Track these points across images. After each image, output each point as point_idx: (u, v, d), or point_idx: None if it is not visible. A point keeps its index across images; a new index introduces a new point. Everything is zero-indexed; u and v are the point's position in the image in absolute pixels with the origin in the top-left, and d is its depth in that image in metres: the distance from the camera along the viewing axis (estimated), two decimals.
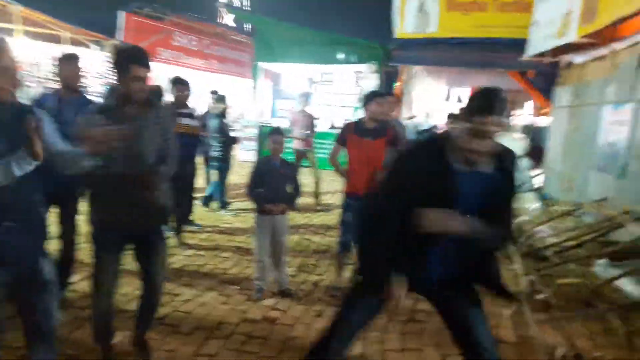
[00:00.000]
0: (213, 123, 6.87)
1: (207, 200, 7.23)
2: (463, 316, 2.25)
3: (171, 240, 5.37)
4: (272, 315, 3.81)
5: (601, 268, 4.72)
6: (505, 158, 2.16)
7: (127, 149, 2.58)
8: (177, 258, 4.98)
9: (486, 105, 2.00)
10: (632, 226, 4.83)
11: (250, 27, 16.06)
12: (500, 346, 3.37)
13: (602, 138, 7.06)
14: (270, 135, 4.16)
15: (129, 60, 2.59)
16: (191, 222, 6.01)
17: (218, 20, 16.28)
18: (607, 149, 6.79)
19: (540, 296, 4.13)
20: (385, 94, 4.57)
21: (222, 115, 7.02)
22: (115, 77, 2.65)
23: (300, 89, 14.78)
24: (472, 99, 2.08)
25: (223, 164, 7.00)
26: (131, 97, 2.63)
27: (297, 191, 4.21)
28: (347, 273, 4.40)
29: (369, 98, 4.18)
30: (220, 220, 6.65)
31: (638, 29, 6.90)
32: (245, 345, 3.34)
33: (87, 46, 12.57)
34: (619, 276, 4.28)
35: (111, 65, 2.68)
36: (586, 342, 3.45)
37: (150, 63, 2.69)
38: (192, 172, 5.77)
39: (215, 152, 6.93)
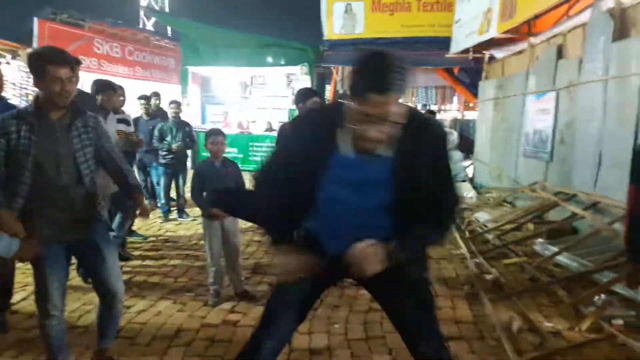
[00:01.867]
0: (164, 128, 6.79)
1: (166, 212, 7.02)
2: (402, 312, 1.97)
3: None
4: (233, 318, 3.73)
5: (540, 246, 5.01)
6: (419, 132, 1.76)
7: (52, 159, 2.47)
8: (124, 270, 4.76)
9: (371, 81, 1.56)
10: (565, 206, 5.17)
11: (171, 30, 15.67)
12: (459, 326, 3.52)
13: (527, 126, 7.50)
14: (209, 137, 4.05)
15: (45, 61, 2.41)
16: (133, 233, 5.78)
17: (139, 26, 15.73)
18: (533, 137, 7.22)
19: (489, 277, 4.31)
20: (316, 93, 4.57)
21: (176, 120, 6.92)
22: (34, 84, 2.48)
23: (232, 93, 14.63)
24: (354, 71, 1.64)
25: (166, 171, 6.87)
26: (54, 102, 2.47)
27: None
28: None
29: (305, 97, 4.18)
30: (163, 229, 6.44)
31: (553, 23, 7.40)
32: (209, 350, 3.25)
33: (2, 56, 11.78)
34: (558, 252, 4.57)
35: (28, 72, 2.52)
36: (537, 314, 3.65)
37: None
38: (134, 180, 5.55)
39: (165, 159, 6.83)
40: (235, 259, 4.11)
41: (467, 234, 5.88)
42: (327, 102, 1.97)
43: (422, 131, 1.78)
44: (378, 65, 1.56)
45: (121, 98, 5.54)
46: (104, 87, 5.04)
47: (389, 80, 1.54)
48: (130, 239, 5.55)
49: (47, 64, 2.39)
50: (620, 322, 3.37)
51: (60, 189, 2.52)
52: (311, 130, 1.85)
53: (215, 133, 4.07)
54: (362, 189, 1.80)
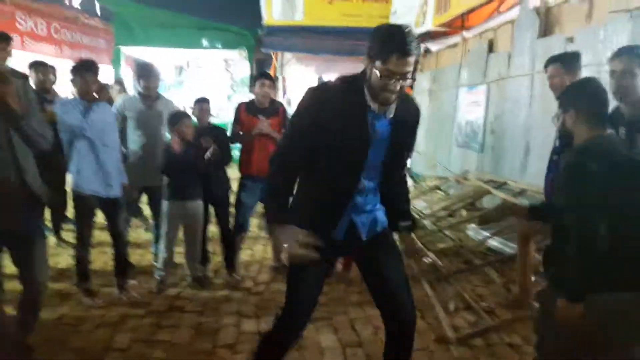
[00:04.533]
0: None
1: None
2: (380, 269, 2.19)
3: (50, 239, 4.95)
4: (178, 304, 3.72)
5: (473, 231, 5.32)
6: (406, 105, 2.11)
7: None
8: (61, 258, 4.61)
9: (398, 45, 1.84)
10: (495, 193, 5.50)
11: (100, 9, 14.98)
12: None
13: (460, 117, 7.86)
14: (178, 121, 3.89)
15: None
16: (69, 219, 5.55)
17: (66, 2, 14.87)
18: (466, 127, 7.58)
19: (427, 260, 4.54)
20: (267, 76, 4.53)
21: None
22: None
23: (167, 77, 14.18)
24: (379, 38, 1.90)
25: None
26: None
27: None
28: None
29: (254, 79, 4.32)
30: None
31: (485, 18, 7.77)
32: (156, 335, 3.24)
33: None
34: (489, 237, 4.87)
35: None
36: (472, 294, 3.89)
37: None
38: (62, 163, 5.31)
39: None
40: (194, 244, 4.06)
41: None
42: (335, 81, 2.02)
43: (410, 104, 2.17)
44: (401, 32, 1.87)
45: (51, 77, 5.28)
46: (35, 65, 4.84)
47: (410, 44, 1.85)
48: (66, 226, 5.32)
49: None
50: None
51: None
52: (337, 106, 2.00)
53: (184, 116, 3.97)
54: (377, 149, 2.07)
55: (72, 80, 3.59)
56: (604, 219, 1.86)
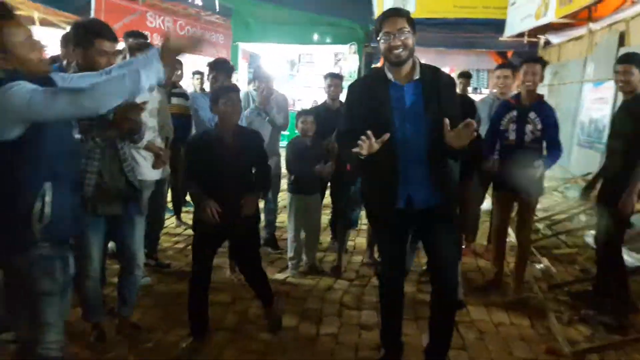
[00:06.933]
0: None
1: None
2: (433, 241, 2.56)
3: (172, 220, 5.37)
4: (284, 289, 3.86)
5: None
6: (436, 74, 2.45)
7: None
8: (180, 237, 4.97)
9: (384, 13, 2.38)
10: None
11: (218, 5, 15.81)
12: (508, 312, 3.54)
13: (583, 115, 7.30)
14: (299, 116, 4.17)
15: (92, 34, 2.45)
16: (188, 202, 5.95)
17: (189, 0, 15.88)
18: (589, 126, 7.03)
19: (540, 266, 4.29)
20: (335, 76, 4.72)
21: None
22: (75, 54, 2.51)
23: (280, 71, 14.69)
24: (374, 23, 2.47)
25: None
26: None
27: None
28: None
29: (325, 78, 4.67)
30: None
31: (615, 9, 7.13)
32: (262, 319, 3.39)
33: (61, 27, 12.17)
34: None
35: (73, 41, 2.51)
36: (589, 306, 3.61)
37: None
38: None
39: None
40: (314, 234, 4.25)
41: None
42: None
43: (441, 73, 2.49)
44: (386, 11, 2.41)
45: (178, 72, 5.66)
46: None
47: (393, 9, 2.39)
48: (185, 208, 5.70)
49: (95, 38, 2.44)
50: None
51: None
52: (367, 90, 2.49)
53: (304, 113, 4.19)
54: (411, 121, 2.39)
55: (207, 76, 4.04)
56: None
